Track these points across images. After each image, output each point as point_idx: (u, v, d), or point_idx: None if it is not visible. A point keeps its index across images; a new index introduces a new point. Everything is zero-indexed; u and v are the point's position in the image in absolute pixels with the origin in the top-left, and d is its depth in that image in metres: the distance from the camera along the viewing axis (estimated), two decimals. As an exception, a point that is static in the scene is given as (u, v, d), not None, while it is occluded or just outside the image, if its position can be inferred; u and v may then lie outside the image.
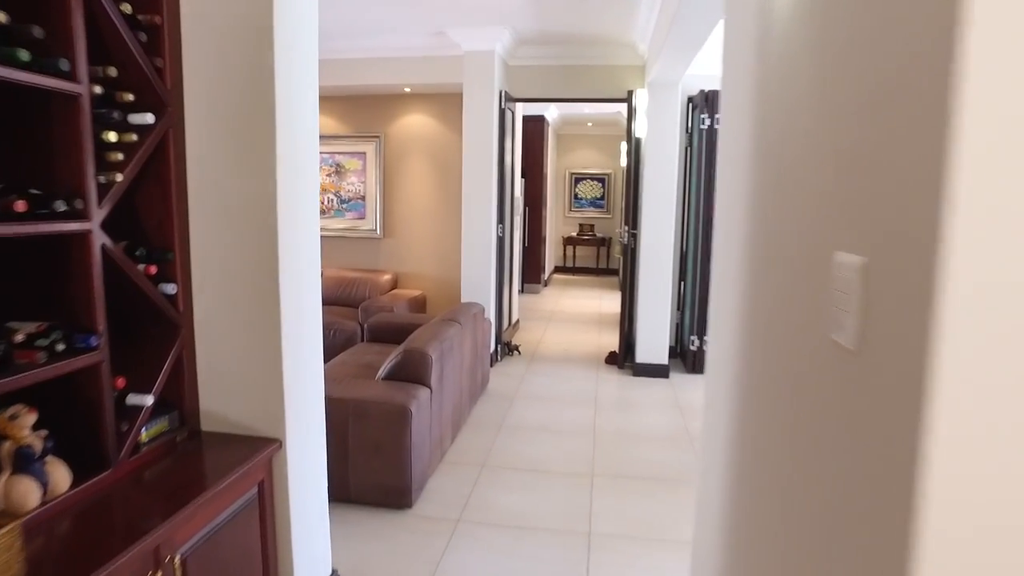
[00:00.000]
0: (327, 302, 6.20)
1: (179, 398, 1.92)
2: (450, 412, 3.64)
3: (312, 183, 2.08)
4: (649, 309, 5.43)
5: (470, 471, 3.49)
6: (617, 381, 5.33)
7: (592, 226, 12.14)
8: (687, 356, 5.64)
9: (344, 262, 6.54)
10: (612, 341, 6.59)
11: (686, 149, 5.62)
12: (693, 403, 4.76)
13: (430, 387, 3.21)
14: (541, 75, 5.79)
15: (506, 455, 3.72)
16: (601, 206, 12.26)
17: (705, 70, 5.36)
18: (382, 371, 3.26)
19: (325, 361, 5.36)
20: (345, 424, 2.96)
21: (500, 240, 5.63)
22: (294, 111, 1.93)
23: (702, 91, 5.29)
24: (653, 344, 5.45)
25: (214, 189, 1.88)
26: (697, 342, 5.54)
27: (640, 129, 5.57)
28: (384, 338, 4.74)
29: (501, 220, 5.63)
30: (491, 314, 5.53)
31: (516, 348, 6.02)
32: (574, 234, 12.10)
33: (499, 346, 5.76)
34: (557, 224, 12.07)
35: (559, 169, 12.00)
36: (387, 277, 6.28)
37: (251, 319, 1.92)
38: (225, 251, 1.90)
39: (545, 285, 10.28)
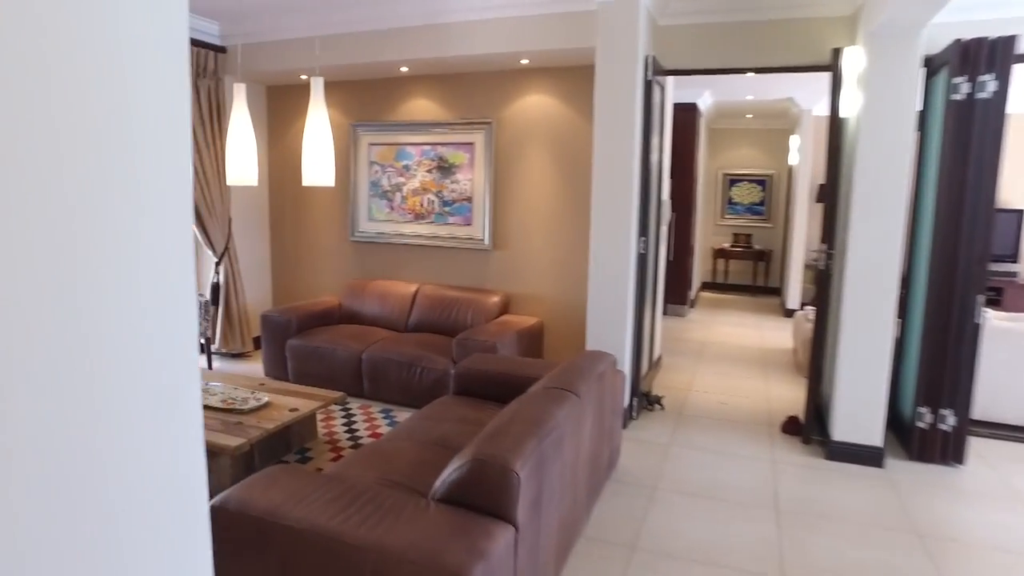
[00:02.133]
0: (418, 328, 5.07)
1: None
2: (552, 544, 2.29)
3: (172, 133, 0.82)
4: (855, 363, 3.74)
5: (581, 651, 2.11)
6: (803, 467, 3.70)
7: (749, 236, 10.26)
8: (909, 435, 3.86)
9: (444, 278, 5.38)
10: (785, 394, 4.92)
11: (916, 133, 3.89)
12: (937, 520, 3.05)
13: (515, 524, 1.88)
14: (702, 38, 4.28)
15: (642, 615, 2.31)
16: (760, 213, 10.34)
17: (957, 15, 3.63)
18: (439, 486, 1.97)
19: (415, 406, 4.22)
20: (363, 588, 1.70)
21: (642, 257, 4.18)
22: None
23: (958, 41, 3.52)
24: (860, 414, 3.75)
25: None
26: (930, 416, 3.77)
27: (847, 105, 3.90)
28: (477, 391, 3.49)
29: (644, 232, 4.18)
30: (626, 357, 4.11)
31: (658, 400, 4.55)
32: (727, 245, 10.27)
33: (635, 399, 4.32)
34: (707, 233, 10.32)
35: (710, 169, 10.25)
36: (495, 299, 5.04)
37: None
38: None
39: (692, 306, 8.62)
